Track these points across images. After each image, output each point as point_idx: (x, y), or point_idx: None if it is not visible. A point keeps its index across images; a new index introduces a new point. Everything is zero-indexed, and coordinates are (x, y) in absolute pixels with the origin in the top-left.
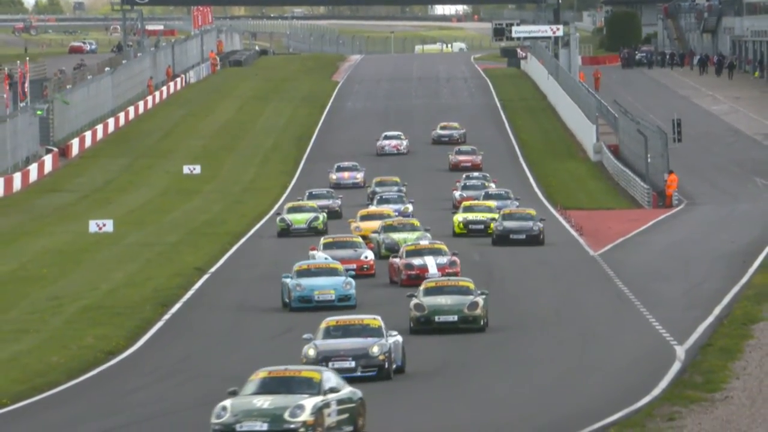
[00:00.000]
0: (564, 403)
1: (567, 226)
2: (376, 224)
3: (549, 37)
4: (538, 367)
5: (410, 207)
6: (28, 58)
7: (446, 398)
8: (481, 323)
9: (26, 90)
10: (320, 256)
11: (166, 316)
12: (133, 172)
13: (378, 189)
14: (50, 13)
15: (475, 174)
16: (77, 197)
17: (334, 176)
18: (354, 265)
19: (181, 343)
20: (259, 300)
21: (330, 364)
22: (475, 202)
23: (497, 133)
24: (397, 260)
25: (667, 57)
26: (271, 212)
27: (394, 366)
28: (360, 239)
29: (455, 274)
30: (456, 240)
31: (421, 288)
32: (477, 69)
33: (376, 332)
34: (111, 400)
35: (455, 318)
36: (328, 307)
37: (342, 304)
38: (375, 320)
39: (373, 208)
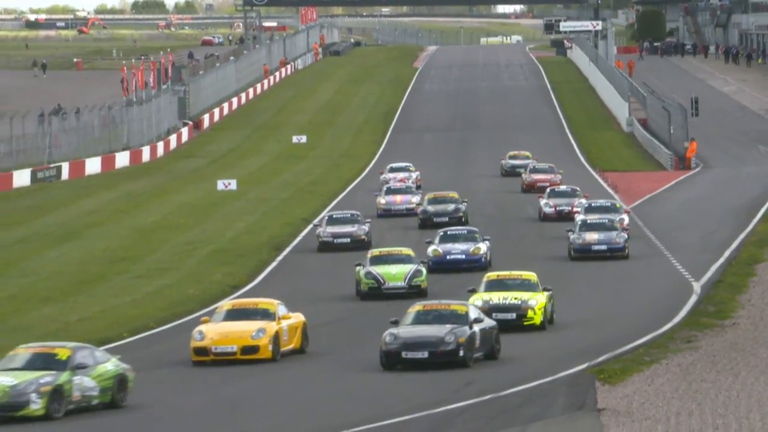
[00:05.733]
0: (602, 330)
1: (604, 184)
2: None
3: (590, 31)
4: (579, 300)
5: (483, 247)
6: (169, 49)
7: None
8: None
9: (169, 75)
10: None
11: (279, 258)
12: (252, 141)
13: (430, 208)
14: (186, 13)
15: (562, 187)
16: (207, 162)
17: (383, 200)
18: None
19: (291, 279)
20: (353, 246)
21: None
22: (505, 272)
23: (547, 109)
24: None
25: (697, 47)
26: (363, 174)
27: None
28: None
29: None
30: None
31: None
32: (531, 57)
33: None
34: None
35: None
36: None
37: None
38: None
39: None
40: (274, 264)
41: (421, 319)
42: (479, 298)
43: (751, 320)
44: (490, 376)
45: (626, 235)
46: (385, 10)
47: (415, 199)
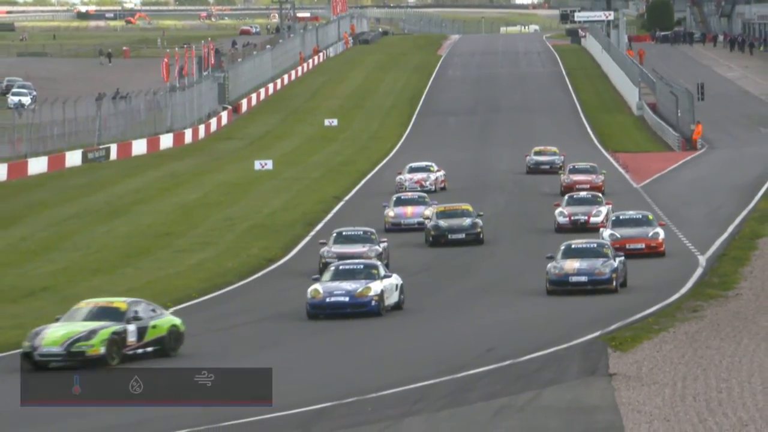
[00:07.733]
0: (613, 300)
1: (616, 164)
2: None
3: (603, 21)
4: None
5: (375, 288)
6: (210, 38)
7: (515, 296)
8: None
9: (211, 62)
10: None
11: (312, 233)
12: (287, 124)
13: (443, 223)
14: (226, 4)
15: (582, 193)
16: (245, 143)
17: (392, 213)
18: None
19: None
20: (381, 223)
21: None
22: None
23: (563, 94)
24: None
25: (705, 36)
26: (390, 155)
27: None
28: None
29: None
30: None
31: None
32: (547, 45)
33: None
34: (271, 295)
35: None
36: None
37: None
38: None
39: None
40: (307, 238)
41: None
42: None
43: (753, 291)
44: (509, 343)
45: (615, 264)
46: (411, 1)
47: (429, 211)
